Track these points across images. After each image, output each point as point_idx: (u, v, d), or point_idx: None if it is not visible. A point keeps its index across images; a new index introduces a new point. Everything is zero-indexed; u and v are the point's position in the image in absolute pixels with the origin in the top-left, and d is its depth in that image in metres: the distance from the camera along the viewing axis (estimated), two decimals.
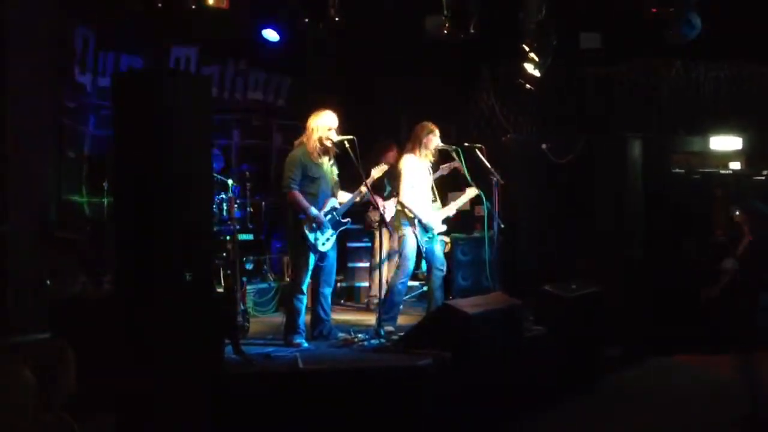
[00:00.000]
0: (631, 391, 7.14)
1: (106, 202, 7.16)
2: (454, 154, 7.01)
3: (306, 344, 6.28)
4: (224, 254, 7.03)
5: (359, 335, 6.46)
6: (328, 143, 6.38)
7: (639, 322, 8.20)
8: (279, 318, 6.95)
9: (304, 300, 6.39)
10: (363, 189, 6.56)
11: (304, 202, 6.29)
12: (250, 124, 9.53)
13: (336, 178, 6.59)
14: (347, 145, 6.34)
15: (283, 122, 9.68)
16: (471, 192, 7.16)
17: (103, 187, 7.18)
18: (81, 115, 7.72)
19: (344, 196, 6.60)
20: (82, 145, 7.74)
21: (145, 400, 4.40)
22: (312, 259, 6.36)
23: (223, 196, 7.35)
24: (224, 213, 7.26)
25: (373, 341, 6.32)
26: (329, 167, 6.52)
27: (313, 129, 6.39)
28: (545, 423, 6.09)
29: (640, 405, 6.67)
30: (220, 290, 6.63)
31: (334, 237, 6.49)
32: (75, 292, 6.32)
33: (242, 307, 6.81)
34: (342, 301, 9.10)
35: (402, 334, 6.34)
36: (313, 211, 6.30)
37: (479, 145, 7.18)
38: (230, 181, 7.49)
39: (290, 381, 5.31)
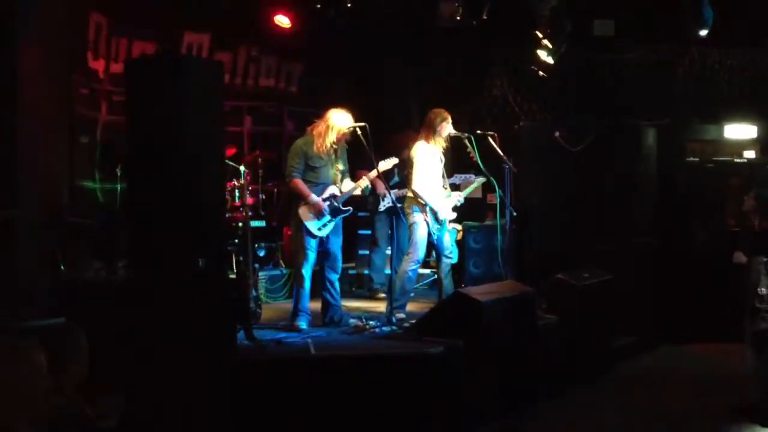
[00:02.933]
0: (642, 379, 7.13)
1: (119, 188, 7.18)
2: (466, 142, 6.97)
3: (305, 325, 6.39)
4: (236, 240, 7.04)
5: (371, 322, 6.48)
6: (340, 144, 6.52)
7: (651, 311, 8.18)
8: (290, 305, 6.96)
9: (306, 284, 6.47)
10: (362, 183, 6.66)
11: (305, 190, 6.45)
12: (262, 110, 9.52)
13: (341, 166, 6.65)
14: (359, 132, 6.40)
15: (295, 109, 9.67)
16: (479, 181, 7.17)
17: (116, 173, 7.20)
18: (94, 101, 7.73)
19: (349, 185, 6.65)
20: (94, 131, 7.75)
21: (155, 384, 4.42)
22: (310, 243, 6.45)
23: (235, 182, 7.36)
24: (236, 199, 7.27)
25: (384, 328, 6.33)
26: (333, 156, 6.58)
27: (330, 127, 6.48)
28: (555, 410, 6.08)
29: (650, 393, 6.66)
30: (233, 276, 6.65)
31: (333, 224, 6.55)
32: (88, 277, 6.35)
33: (254, 293, 6.84)
34: (353, 289, 9.10)
35: (413, 321, 6.36)
36: (313, 197, 6.44)
37: (492, 133, 7.16)
38: (242, 168, 7.50)
39: (302, 367, 5.33)
